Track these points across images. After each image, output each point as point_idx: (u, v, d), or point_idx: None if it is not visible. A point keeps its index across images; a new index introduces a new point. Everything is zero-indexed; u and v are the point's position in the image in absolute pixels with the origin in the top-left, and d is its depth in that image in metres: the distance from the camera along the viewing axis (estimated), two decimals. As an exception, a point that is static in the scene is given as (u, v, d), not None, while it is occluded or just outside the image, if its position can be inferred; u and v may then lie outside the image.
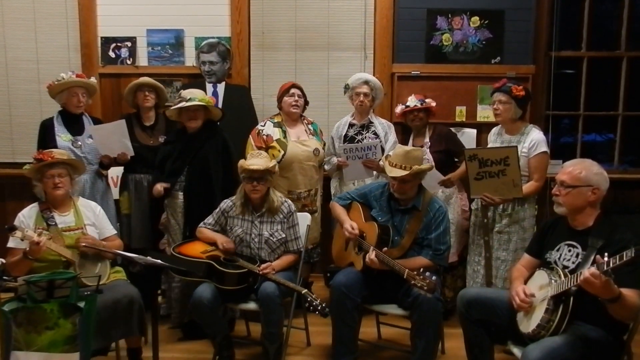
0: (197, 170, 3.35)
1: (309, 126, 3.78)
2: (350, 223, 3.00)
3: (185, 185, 3.36)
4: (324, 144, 3.80)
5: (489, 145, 3.43)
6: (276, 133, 3.64)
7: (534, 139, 3.17)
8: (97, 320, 2.48)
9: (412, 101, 3.64)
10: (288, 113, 3.68)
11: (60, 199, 2.89)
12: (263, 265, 2.98)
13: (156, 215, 3.53)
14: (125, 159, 3.51)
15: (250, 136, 3.67)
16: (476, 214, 3.38)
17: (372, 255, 2.78)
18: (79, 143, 3.47)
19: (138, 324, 2.76)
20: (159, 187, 3.35)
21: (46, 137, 3.45)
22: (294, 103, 3.64)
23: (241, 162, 3.14)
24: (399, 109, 3.72)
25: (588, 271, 2.04)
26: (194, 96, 3.32)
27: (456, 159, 3.66)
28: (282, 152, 3.58)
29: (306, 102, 3.75)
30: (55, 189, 2.85)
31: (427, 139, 3.65)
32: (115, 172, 3.92)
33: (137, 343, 2.91)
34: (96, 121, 3.63)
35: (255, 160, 3.09)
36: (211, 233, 3.18)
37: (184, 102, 3.30)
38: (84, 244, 2.77)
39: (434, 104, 3.68)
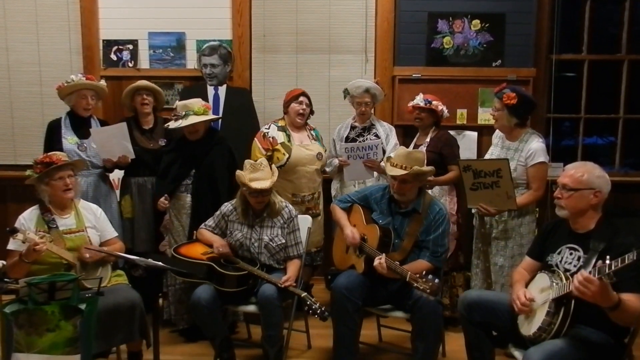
0: (204, 175, 3.35)
1: (311, 132, 3.78)
2: (351, 229, 3.00)
3: (193, 188, 3.36)
4: (326, 150, 3.80)
5: (492, 147, 3.42)
6: (280, 136, 3.64)
7: (531, 149, 3.10)
8: (99, 324, 2.47)
9: (418, 99, 3.62)
10: (293, 120, 3.68)
11: (68, 201, 2.88)
12: (284, 278, 2.97)
13: (159, 219, 3.53)
14: (126, 162, 3.50)
15: (255, 139, 3.67)
16: (476, 218, 3.37)
17: (381, 261, 2.75)
18: (85, 146, 3.46)
19: (139, 328, 2.75)
20: (164, 200, 3.35)
21: (52, 138, 3.45)
22: (301, 111, 3.63)
23: (241, 175, 3.04)
24: (410, 104, 3.70)
25: (577, 277, 2.03)
26: (189, 110, 3.29)
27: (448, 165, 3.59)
28: (287, 155, 3.58)
29: (311, 112, 3.74)
30: (66, 191, 2.84)
31: (428, 139, 3.64)
32: (116, 175, 3.91)
33: (138, 347, 2.91)
34: (104, 124, 3.62)
35: (257, 174, 3.04)
36: (210, 235, 3.18)
37: (180, 121, 3.28)
38: (88, 255, 2.75)
39: (440, 107, 3.62)
